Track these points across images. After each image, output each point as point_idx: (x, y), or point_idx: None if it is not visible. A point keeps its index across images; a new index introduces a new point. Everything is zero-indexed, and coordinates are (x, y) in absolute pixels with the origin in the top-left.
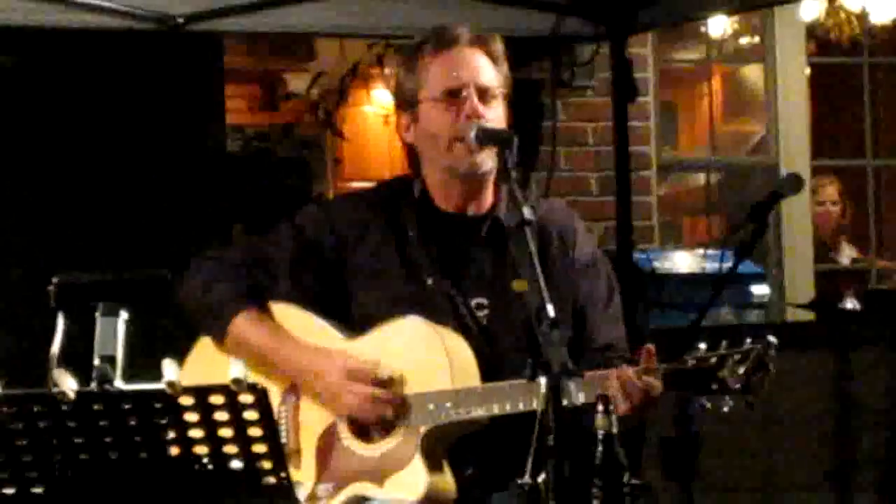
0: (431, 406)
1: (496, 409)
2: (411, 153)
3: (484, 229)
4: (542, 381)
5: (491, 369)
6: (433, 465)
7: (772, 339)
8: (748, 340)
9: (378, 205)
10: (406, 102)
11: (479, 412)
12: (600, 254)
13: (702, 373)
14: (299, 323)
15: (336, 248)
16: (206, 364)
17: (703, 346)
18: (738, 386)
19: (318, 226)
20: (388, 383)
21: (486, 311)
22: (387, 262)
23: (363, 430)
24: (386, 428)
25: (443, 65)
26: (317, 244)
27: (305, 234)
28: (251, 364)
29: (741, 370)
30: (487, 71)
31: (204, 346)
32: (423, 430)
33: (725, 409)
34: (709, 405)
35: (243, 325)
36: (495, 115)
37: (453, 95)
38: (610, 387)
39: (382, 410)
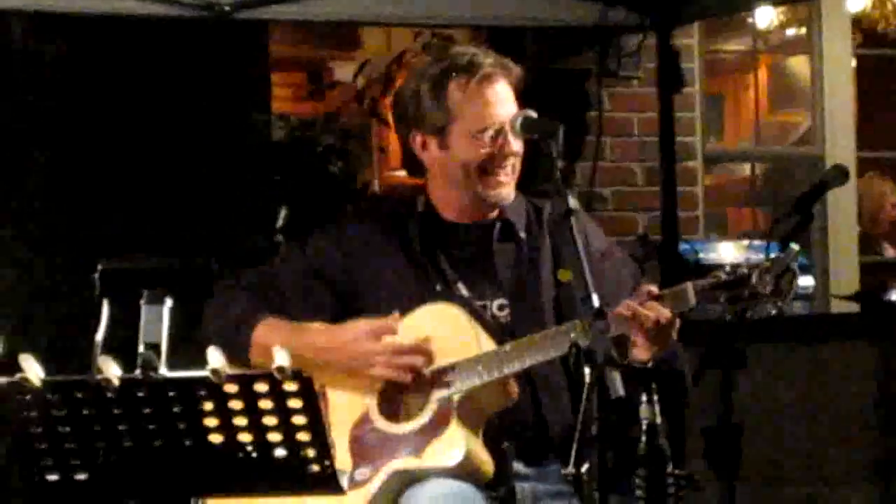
0: (463, 374)
1: (528, 362)
2: (415, 162)
3: (495, 232)
4: (587, 371)
5: (522, 375)
6: (470, 431)
7: (795, 246)
8: (772, 254)
9: (383, 220)
10: (431, 126)
11: (511, 368)
12: (616, 246)
13: (733, 283)
14: None
15: (345, 269)
16: None
17: (728, 266)
18: (768, 290)
19: (327, 249)
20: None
21: (507, 311)
22: (395, 273)
23: (395, 412)
24: (420, 399)
25: (476, 101)
26: (325, 267)
27: (314, 258)
28: None
29: (769, 277)
30: (513, 102)
31: None
32: (456, 398)
33: (758, 313)
34: (745, 309)
35: (265, 331)
36: (518, 145)
37: (487, 131)
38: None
39: (412, 362)
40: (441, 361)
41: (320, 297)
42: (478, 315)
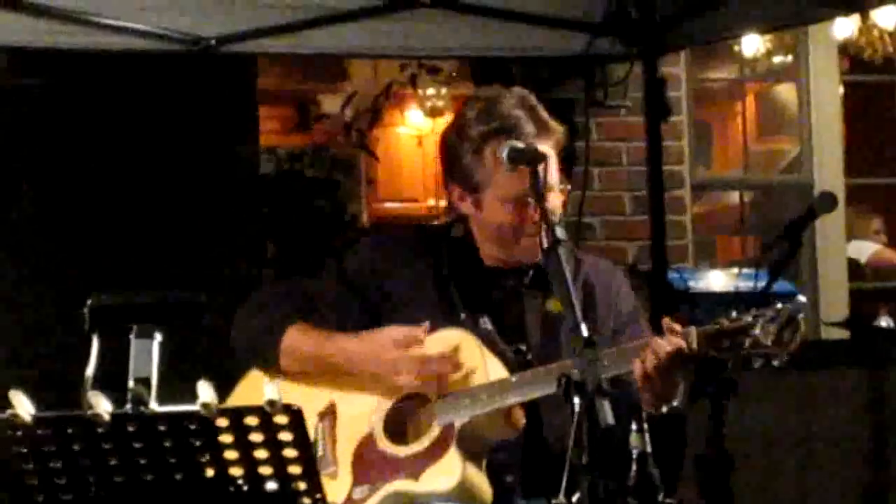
0: (467, 401)
1: (529, 395)
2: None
3: (527, 278)
4: (576, 400)
5: (530, 410)
6: (469, 458)
7: (801, 298)
8: (778, 304)
9: (418, 245)
10: (467, 183)
11: (512, 400)
12: (641, 309)
13: (736, 332)
14: None
15: (377, 284)
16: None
17: (734, 312)
18: (770, 340)
19: (362, 261)
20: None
21: (522, 357)
22: (422, 295)
23: (400, 435)
24: (424, 423)
25: (514, 170)
26: (360, 286)
27: (349, 276)
28: (306, 371)
29: (773, 328)
30: (553, 165)
31: (248, 385)
32: (458, 424)
33: (756, 365)
34: (747, 359)
35: (294, 336)
36: (557, 201)
37: (518, 199)
38: (640, 353)
39: (438, 370)
40: (452, 390)
41: (350, 309)
42: (495, 348)
